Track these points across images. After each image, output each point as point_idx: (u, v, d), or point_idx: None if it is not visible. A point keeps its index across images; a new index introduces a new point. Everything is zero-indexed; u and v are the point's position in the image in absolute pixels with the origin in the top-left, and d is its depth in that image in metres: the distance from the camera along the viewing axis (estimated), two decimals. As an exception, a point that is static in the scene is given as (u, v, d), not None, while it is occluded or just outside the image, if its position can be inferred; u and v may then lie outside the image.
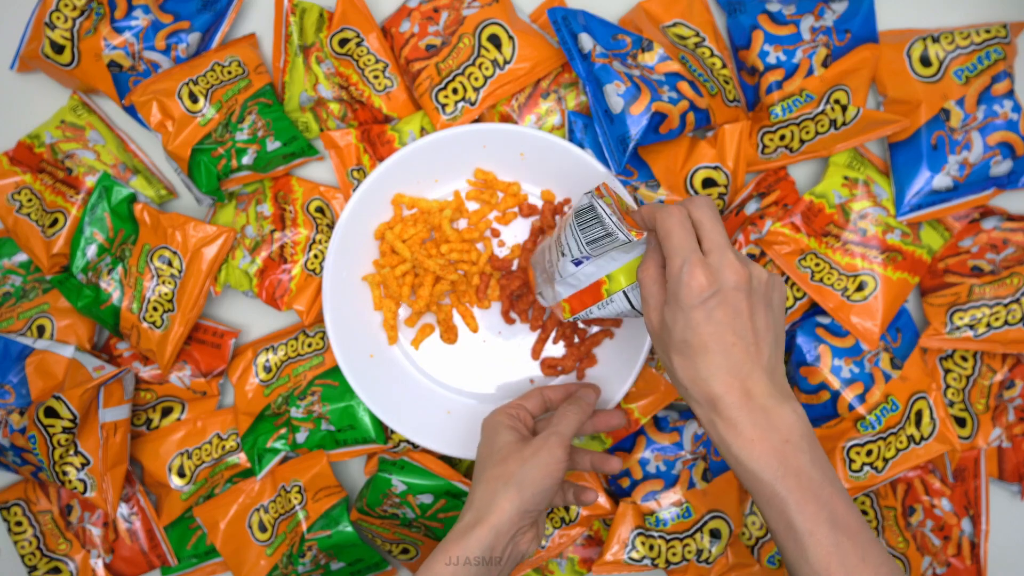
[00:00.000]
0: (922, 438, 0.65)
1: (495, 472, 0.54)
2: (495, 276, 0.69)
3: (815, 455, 0.46)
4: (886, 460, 0.65)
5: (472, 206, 0.70)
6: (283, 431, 0.70)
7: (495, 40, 0.66)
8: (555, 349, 0.69)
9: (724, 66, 0.69)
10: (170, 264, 0.68)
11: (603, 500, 0.69)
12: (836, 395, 0.66)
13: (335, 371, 0.70)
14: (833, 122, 0.66)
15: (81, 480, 0.66)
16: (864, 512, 0.69)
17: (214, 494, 0.72)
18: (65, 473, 0.66)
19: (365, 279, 0.69)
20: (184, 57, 0.69)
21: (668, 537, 0.66)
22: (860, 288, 0.66)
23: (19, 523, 0.71)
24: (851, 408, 0.66)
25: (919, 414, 0.66)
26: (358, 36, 0.69)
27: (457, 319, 0.70)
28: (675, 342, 0.48)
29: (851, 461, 0.65)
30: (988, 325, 0.65)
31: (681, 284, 0.47)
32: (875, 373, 0.66)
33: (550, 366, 0.68)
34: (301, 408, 0.70)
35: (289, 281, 0.69)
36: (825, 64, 0.67)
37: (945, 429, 0.66)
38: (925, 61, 0.67)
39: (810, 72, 0.67)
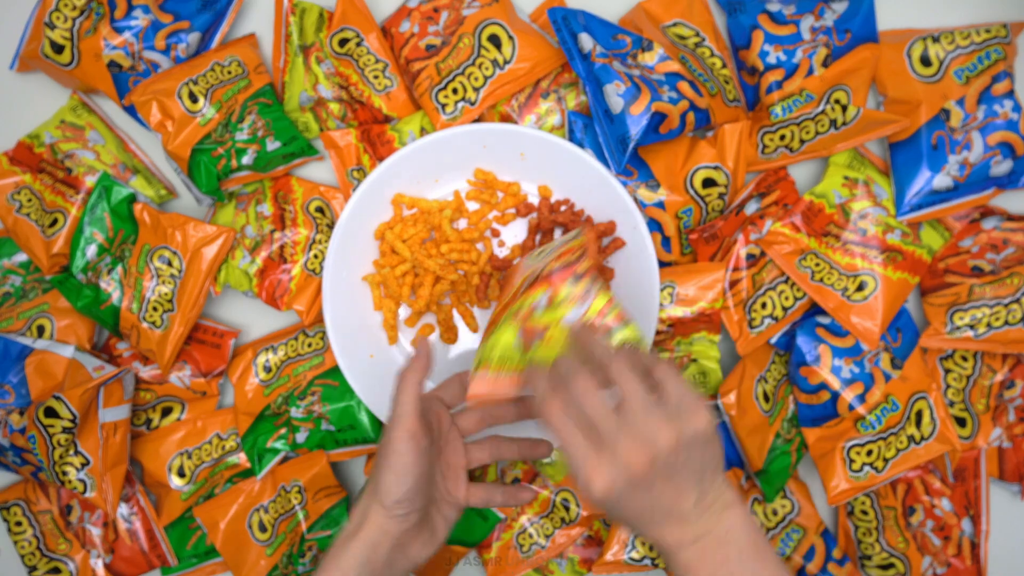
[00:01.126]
0: (922, 438, 0.65)
1: (369, 480, 0.53)
2: (495, 276, 0.69)
3: (758, 565, 0.46)
4: (886, 460, 0.65)
5: (472, 206, 0.70)
6: (283, 431, 0.70)
7: (495, 40, 0.66)
8: (555, 349, 0.69)
9: (724, 66, 0.69)
10: (170, 264, 0.68)
11: (603, 500, 0.69)
12: (836, 395, 0.66)
13: (335, 371, 0.70)
14: (833, 122, 0.66)
15: (81, 480, 0.66)
16: (864, 512, 0.69)
17: (214, 494, 0.72)
18: (65, 473, 0.66)
19: (365, 279, 0.69)
20: (184, 57, 0.69)
21: (668, 537, 0.66)
22: (860, 288, 0.66)
23: (19, 523, 0.71)
24: (851, 408, 0.66)
25: (919, 414, 0.66)
26: (358, 36, 0.69)
27: (457, 319, 0.70)
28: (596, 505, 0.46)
29: (851, 461, 0.65)
30: (988, 325, 0.65)
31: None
32: (875, 373, 0.66)
33: (550, 366, 0.68)
34: (301, 408, 0.70)
35: (289, 281, 0.69)
36: (825, 64, 0.67)
37: (945, 429, 0.65)
38: (925, 61, 0.67)
39: (810, 72, 0.67)
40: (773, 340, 0.68)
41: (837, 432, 0.66)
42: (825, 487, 0.66)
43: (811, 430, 0.67)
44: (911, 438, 0.65)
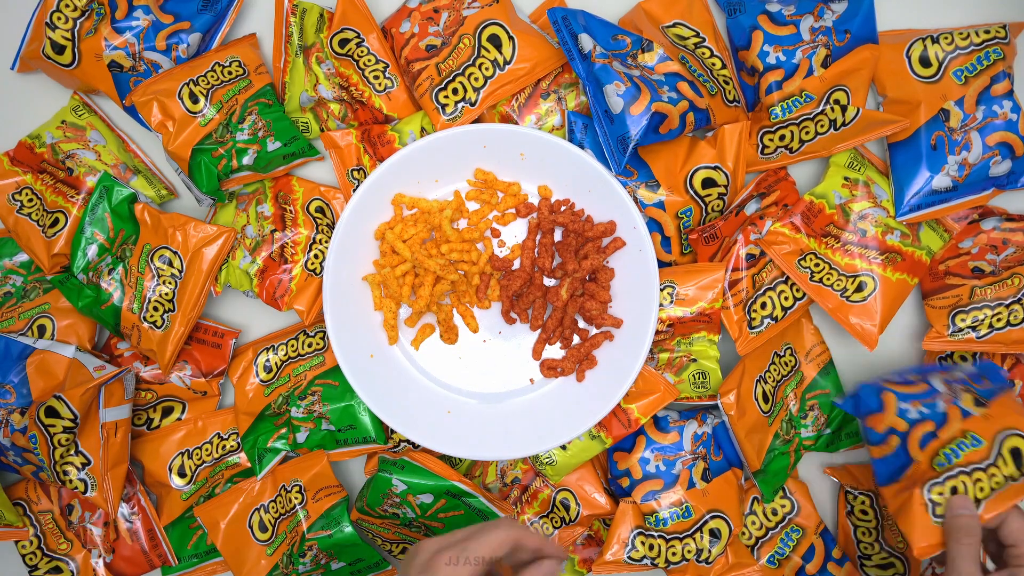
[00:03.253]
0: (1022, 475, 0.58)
1: None
2: (495, 276, 0.69)
3: None
4: (978, 500, 0.57)
5: (472, 206, 0.70)
6: (283, 431, 0.70)
7: (495, 40, 0.66)
8: (555, 350, 0.69)
9: (724, 66, 0.69)
10: (170, 264, 0.68)
11: (603, 500, 0.69)
12: (905, 437, 0.59)
13: (335, 371, 0.70)
14: (833, 122, 0.66)
15: (82, 480, 0.66)
16: (864, 512, 0.69)
17: (215, 494, 0.72)
18: (66, 473, 0.66)
19: (365, 279, 0.69)
20: (185, 57, 0.69)
21: (668, 537, 0.66)
22: (859, 289, 0.66)
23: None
24: (922, 445, 0.58)
25: (1015, 452, 0.58)
26: (358, 36, 0.69)
27: (457, 319, 0.70)
28: None
29: (934, 505, 0.57)
30: (990, 326, 0.65)
31: None
32: (951, 412, 0.59)
33: (550, 367, 0.68)
34: (301, 408, 0.70)
35: (289, 281, 0.69)
36: (825, 64, 0.67)
37: None
38: (924, 61, 0.67)
39: (810, 72, 0.67)
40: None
41: (912, 478, 0.59)
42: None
43: (888, 487, 0.60)
44: (1009, 478, 0.57)
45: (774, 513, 0.69)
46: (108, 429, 0.67)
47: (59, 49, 0.68)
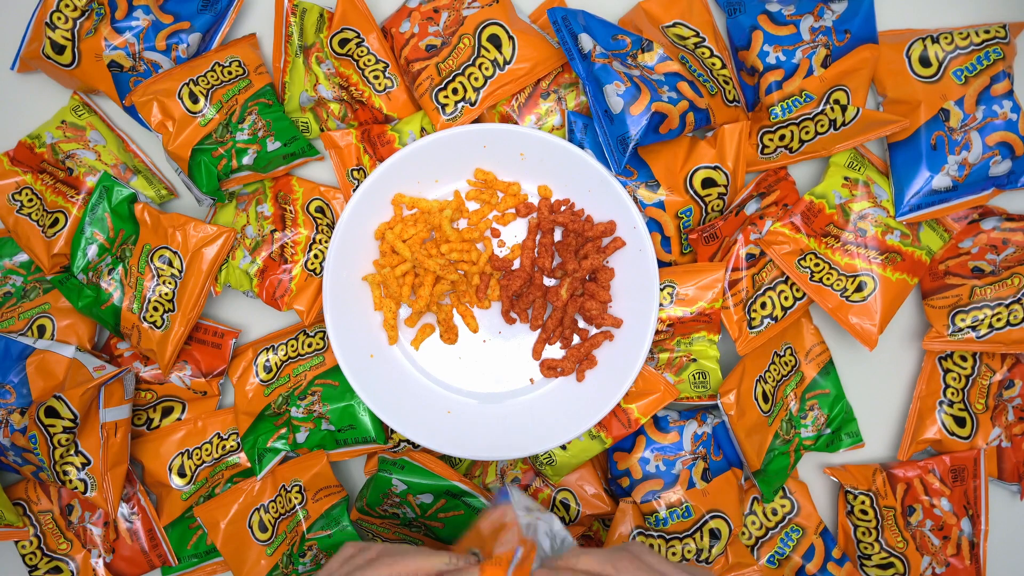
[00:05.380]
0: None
1: None
2: (495, 276, 0.69)
3: None
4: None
5: (472, 206, 0.70)
6: (283, 431, 0.70)
7: (495, 40, 0.66)
8: (555, 350, 0.69)
9: (724, 66, 0.69)
10: (170, 264, 0.68)
11: (603, 500, 0.69)
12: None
13: (335, 371, 0.70)
14: (833, 122, 0.66)
15: (82, 480, 0.66)
16: (864, 512, 0.69)
17: (214, 494, 0.72)
18: (66, 473, 0.66)
19: (365, 279, 0.69)
20: (184, 57, 0.69)
21: (668, 537, 0.66)
22: (859, 289, 0.66)
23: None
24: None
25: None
26: (358, 36, 0.69)
27: (457, 319, 0.70)
28: None
29: None
30: (990, 326, 0.65)
31: None
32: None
33: (550, 367, 0.68)
34: (301, 408, 0.70)
35: (289, 281, 0.69)
36: (825, 64, 0.67)
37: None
38: (924, 61, 0.67)
39: (810, 72, 0.67)
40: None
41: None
42: None
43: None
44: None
45: (774, 513, 0.69)
46: (108, 429, 0.67)
47: (59, 49, 0.68)
